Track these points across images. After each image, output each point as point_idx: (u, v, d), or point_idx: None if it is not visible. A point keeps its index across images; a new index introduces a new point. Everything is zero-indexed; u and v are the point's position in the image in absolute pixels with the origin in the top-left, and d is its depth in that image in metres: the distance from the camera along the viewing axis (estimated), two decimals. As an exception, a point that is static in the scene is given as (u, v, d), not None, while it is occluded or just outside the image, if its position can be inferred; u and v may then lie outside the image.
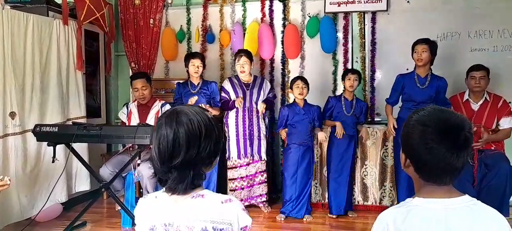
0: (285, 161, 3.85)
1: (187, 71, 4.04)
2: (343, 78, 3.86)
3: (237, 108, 3.95)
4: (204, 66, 4.06)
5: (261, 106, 3.94)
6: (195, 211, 1.19)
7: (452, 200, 1.11)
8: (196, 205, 1.20)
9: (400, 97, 3.75)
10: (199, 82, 4.03)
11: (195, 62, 3.96)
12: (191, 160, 1.17)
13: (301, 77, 3.84)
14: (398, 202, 3.70)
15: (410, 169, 1.17)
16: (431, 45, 3.57)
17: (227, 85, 4.06)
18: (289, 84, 4.55)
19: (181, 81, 4.24)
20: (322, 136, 3.77)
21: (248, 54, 4.02)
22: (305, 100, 3.82)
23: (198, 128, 1.19)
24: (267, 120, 4.15)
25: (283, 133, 3.80)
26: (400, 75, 3.76)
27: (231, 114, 4.01)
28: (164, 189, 1.24)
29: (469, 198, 1.13)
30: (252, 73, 4.11)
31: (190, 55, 4.06)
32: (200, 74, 4.02)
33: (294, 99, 3.85)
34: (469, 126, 1.11)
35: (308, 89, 3.80)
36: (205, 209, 1.19)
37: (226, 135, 4.03)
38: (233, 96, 4.00)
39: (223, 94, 4.06)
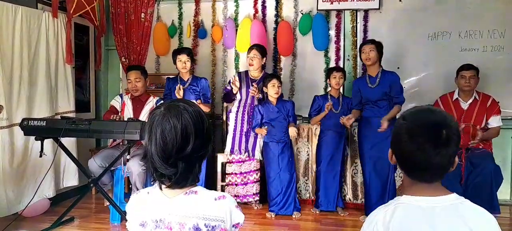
0: (266, 159, 3.85)
1: (176, 67, 4.01)
2: (328, 76, 3.88)
3: (239, 103, 3.94)
4: (192, 61, 4.03)
5: (256, 91, 3.84)
6: (188, 207, 1.19)
7: (439, 198, 1.12)
8: (188, 201, 1.20)
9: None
10: (188, 78, 4.01)
11: (182, 58, 3.92)
12: (198, 149, 1.18)
13: (276, 76, 3.87)
14: (365, 210, 3.75)
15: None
16: (378, 45, 3.66)
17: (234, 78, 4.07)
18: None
19: (171, 76, 4.20)
20: (292, 131, 3.71)
21: (259, 48, 3.99)
22: (279, 97, 3.83)
23: (200, 117, 1.20)
24: None
25: (262, 131, 3.75)
26: (355, 80, 3.92)
27: (233, 109, 4.02)
28: (156, 184, 1.23)
29: (457, 196, 1.13)
30: (264, 70, 4.09)
31: (176, 51, 4.02)
32: (188, 70, 3.99)
33: (268, 97, 3.84)
34: (454, 125, 1.11)
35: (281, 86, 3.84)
36: (197, 206, 1.19)
37: (227, 128, 4.03)
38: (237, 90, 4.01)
39: (228, 86, 4.08)
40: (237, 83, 3.95)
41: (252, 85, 3.90)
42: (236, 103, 4.04)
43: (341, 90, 3.99)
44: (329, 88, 3.95)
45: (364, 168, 3.75)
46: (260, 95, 3.92)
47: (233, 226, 1.22)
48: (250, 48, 3.99)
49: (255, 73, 4.00)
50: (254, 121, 3.84)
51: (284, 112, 3.78)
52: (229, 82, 4.11)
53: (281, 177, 3.74)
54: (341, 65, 4.45)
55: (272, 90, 3.75)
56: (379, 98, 3.65)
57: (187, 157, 1.17)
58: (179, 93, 3.81)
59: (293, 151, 3.92)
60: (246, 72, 4.08)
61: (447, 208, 1.10)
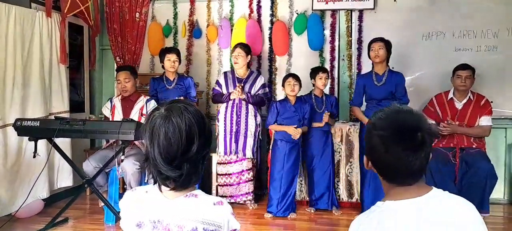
0: (272, 156, 3.85)
1: (163, 66, 4.00)
2: (313, 77, 3.86)
3: (227, 103, 3.94)
4: (180, 62, 4.03)
5: (239, 92, 3.85)
6: (187, 210, 1.18)
7: (422, 198, 1.11)
8: (188, 204, 1.19)
9: (364, 97, 3.83)
10: (174, 78, 4.00)
11: (171, 57, 3.92)
12: (202, 149, 1.17)
13: (292, 75, 3.82)
14: (361, 202, 3.76)
15: (374, 170, 1.18)
16: (387, 43, 3.67)
17: (221, 79, 4.07)
18: (275, 80, 4.60)
19: (156, 76, 4.17)
20: (293, 130, 3.66)
21: (244, 46, 3.99)
22: (297, 97, 3.81)
23: (201, 116, 1.20)
24: (259, 118, 4.06)
25: (277, 127, 3.74)
26: (359, 76, 3.89)
27: (222, 110, 4.01)
28: (157, 185, 1.21)
29: (436, 191, 1.13)
30: (250, 68, 4.08)
31: (165, 50, 4.01)
32: (176, 70, 3.98)
33: (286, 95, 3.84)
34: (427, 126, 1.11)
35: (300, 86, 3.79)
36: (197, 209, 1.18)
37: (217, 129, 4.02)
38: (225, 90, 4.00)
39: (216, 87, 4.07)
40: (240, 92, 3.87)
41: (237, 86, 3.88)
42: (224, 103, 4.01)
43: (327, 90, 4.03)
44: (312, 88, 3.94)
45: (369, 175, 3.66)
46: (244, 96, 3.90)
47: None
48: (234, 47, 4.01)
49: (240, 71, 4.00)
50: (269, 117, 3.82)
51: (300, 114, 3.75)
52: (217, 82, 4.09)
53: (283, 178, 3.73)
54: (336, 66, 4.46)
55: (287, 89, 3.74)
56: (384, 98, 3.62)
57: (192, 158, 1.16)
58: None
59: (300, 153, 3.86)
60: (232, 71, 4.08)
61: (432, 206, 1.10)
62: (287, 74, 3.93)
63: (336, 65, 4.48)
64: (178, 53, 4.00)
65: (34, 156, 3.23)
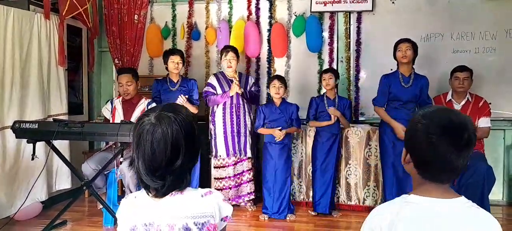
0: (263, 159, 3.86)
1: (166, 68, 4.00)
2: (320, 80, 3.88)
3: (224, 104, 3.93)
4: (183, 63, 4.03)
5: (237, 86, 3.84)
6: (175, 208, 1.18)
7: (449, 201, 1.11)
8: (175, 202, 1.19)
9: None
10: (178, 80, 4.00)
11: (175, 59, 3.92)
12: (188, 161, 1.16)
13: (277, 77, 3.85)
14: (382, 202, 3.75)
15: (409, 165, 1.18)
16: (414, 44, 3.63)
17: (213, 80, 4.05)
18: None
19: (159, 78, 4.17)
20: (277, 133, 3.67)
21: (234, 50, 4.01)
22: (283, 99, 3.83)
23: (191, 126, 1.17)
24: (252, 116, 4.12)
25: (264, 131, 3.77)
26: (384, 76, 3.77)
27: (218, 112, 3.99)
28: (143, 188, 1.22)
29: (466, 200, 1.14)
30: (237, 70, 4.10)
31: (169, 52, 4.01)
32: (179, 71, 3.99)
33: (271, 98, 3.85)
34: (472, 126, 1.12)
35: (286, 88, 3.81)
36: (184, 206, 1.18)
37: (212, 132, 4.01)
38: (219, 91, 3.99)
39: (210, 89, 4.03)
40: (238, 86, 3.87)
41: (234, 81, 3.87)
42: (220, 105, 3.99)
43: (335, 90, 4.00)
44: (324, 91, 3.96)
45: (391, 176, 3.63)
46: (242, 90, 3.92)
47: (221, 219, 1.22)
48: (226, 51, 3.97)
49: (232, 74, 3.99)
50: (257, 121, 3.83)
51: (286, 115, 3.76)
52: (209, 84, 4.04)
53: (276, 179, 3.74)
54: (335, 67, 4.47)
55: (272, 91, 3.77)
56: (409, 100, 3.57)
57: (176, 170, 1.15)
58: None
59: (291, 154, 3.90)
60: (222, 73, 4.07)
61: (457, 213, 1.10)
62: (272, 76, 3.94)
63: (335, 67, 4.48)
64: (181, 55, 4.01)
65: (33, 159, 3.22)
